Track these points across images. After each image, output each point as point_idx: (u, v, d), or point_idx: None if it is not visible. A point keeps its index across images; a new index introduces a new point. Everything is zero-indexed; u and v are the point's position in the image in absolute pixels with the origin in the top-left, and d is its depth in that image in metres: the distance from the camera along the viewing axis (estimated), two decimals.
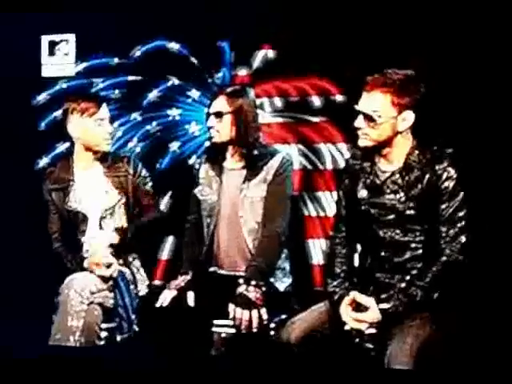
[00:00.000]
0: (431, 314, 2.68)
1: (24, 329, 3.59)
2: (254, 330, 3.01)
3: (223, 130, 3.23)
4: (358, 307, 2.71)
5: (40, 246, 3.57)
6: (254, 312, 3.01)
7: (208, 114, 3.28)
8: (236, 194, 3.25)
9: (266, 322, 3.05)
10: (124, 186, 3.39)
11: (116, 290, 3.26)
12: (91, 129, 3.34)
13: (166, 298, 3.14)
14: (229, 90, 3.29)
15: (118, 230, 3.36)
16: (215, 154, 3.34)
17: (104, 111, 3.38)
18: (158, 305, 3.14)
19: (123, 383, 2.59)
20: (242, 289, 3.06)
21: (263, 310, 3.03)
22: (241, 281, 3.09)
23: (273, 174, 3.21)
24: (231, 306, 3.03)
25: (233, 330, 3.06)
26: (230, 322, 3.05)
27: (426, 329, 2.64)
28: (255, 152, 3.23)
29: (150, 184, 3.48)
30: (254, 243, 3.21)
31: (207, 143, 3.58)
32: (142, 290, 3.41)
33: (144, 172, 3.47)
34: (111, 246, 3.32)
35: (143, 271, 3.47)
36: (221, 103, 3.24)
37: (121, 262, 3.36)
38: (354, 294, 2.72)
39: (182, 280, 3.21)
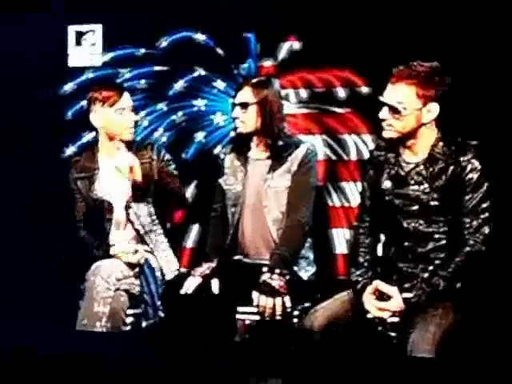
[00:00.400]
0: (454, 304, 2.70)
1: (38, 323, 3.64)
2: (278, 318, 3.04)
3: (248, 120, 3.25)
4: (381, 296, 2.73)
5: (66, 234, 3.63)
6: (278, 300, 3.04)
7: (233, 105, 3.31)
8: (260, 183, 3.27)
9: (289, 310, 3.08)
10: (149, 173, 3.39)
11: (142, 277, 3.30)
12: (112, 118, 3.36)
13: (190, 285, 3.18)
14: (254, 80, 3.31)
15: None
16: (240, 145, 3.37)
17: (125, 100, 3.39)
18: (182, 292, 3.17)
19: (145, 369, 2.62)
20: (265, 277, 3.09)
21: (287, 298, 3.06)
22: (265, 269, 3.12)
23: (297, 164, 3.23)
24: (255, 294, 3.07)
25: (257, 317, 3.09)
26: (254, 310, 3.08)
27: (449, 318, 2.67)
28: (280, 142, 3.25)
29: (174, 166, 3.48)
30: (278, 232, 3.24)
31: (232, 133, 3.60)
32: (170, 273, 3.43)
33: (167, 156, 3.47)
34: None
35: (172, 253, 3.49)
36: (246, 94, 3.26)
37: (147, 248, 3.39)
38: (377, 283, 2.75)
39: (206, 267, 3.24)
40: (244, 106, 3.25)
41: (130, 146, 3.43)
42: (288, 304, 3.07)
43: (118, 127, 3.39)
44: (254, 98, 3.25)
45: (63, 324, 3.26)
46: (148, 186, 3.39)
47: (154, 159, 3.42)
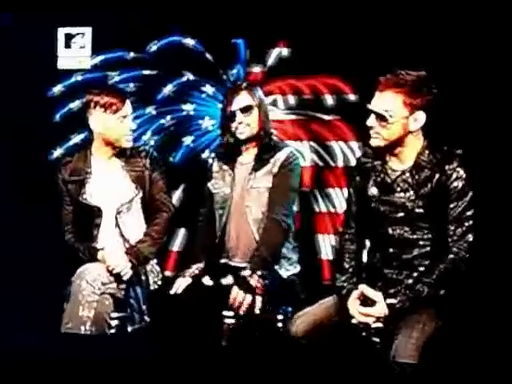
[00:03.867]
0: (437, 310, 2.73)
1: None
2: (242, 314, 3.06)
3: (254, 122, 3.26)
4: (366, 301, 2.75)
5: (52, 236, 3.62)
6: (249, 297, 3.06)
7: (231, 112, 3.26)
8: (245, 184, 3.30)
9: (257, 312, 3.09)
10: (141, 181, 3.37)
11: (128, 281, 3.28)
12: (113, 125, 3.30)
13: (180, 286, 3.20)
14: (245, 84, 3.34)
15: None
16: (231, 149, 3.36)
17: (127, 108, 3.34)
18: (172, 292, 3.19)
19: (132, 372, 2.62)
20: (246, 273, 3.12)
21: (259, 299, 3.08)
22: (247, 269, 3.15)
23: (279, 166, 3.26)
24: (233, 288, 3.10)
25: (240, 321, 3.10)
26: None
27: (432, 324, 2.70)
28: (267, 145, 3.29)
29: (165, 180, 3.46)
30: (259, 232, 3.26)
31: (221, 138, 3.61)
32: (155, 284, 3.42)
33: (161, 167, 3.44)
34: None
35: (156, 263, 3.47)
36: (246, 98, 3.26)
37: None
38: (363, 287, 2.76)
39: (195, 268, 3.27)
40: (247, 109, 3.25)
41: (124, 151, 3.39)
42: (258, 305, 3.08)
43: (117, 134, 3.33)
44: (253, 101, 3.27)
45: (48, 326, 3.26)
46: (137, 194, 3.38)
47: (148, 168, 3.39)
